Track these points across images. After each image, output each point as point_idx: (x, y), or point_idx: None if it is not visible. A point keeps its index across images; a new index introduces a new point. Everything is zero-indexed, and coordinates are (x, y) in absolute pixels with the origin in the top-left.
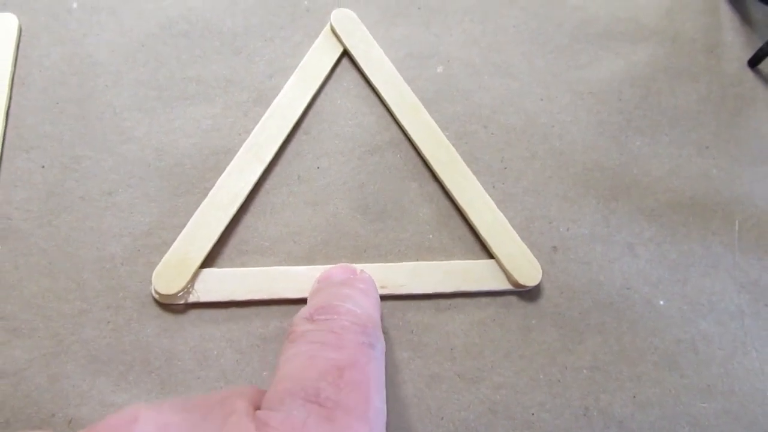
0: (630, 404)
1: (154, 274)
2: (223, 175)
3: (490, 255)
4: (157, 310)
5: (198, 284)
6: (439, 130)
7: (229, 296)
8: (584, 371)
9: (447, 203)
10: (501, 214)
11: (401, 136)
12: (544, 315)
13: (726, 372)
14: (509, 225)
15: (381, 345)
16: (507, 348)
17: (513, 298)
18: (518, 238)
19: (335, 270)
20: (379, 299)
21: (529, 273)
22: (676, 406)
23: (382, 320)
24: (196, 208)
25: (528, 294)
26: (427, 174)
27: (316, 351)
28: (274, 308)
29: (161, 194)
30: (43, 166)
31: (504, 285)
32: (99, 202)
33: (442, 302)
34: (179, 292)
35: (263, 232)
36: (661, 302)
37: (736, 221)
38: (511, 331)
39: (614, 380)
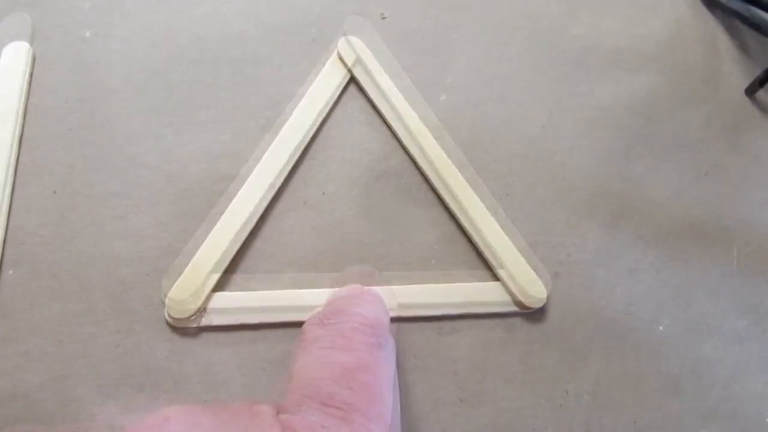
0: (632, 429)
1: (167, 298)
2: (234, 200)
3: (495, 278)
4: (166, 334)
5: (210, 307)
6: (444, 155)
7: (241, 320)
8: (586, 396)
9: (451, 228)
10: (506, 236)
11: (406, 162)
12: (546, 339)
13: (728, 396)
14: (514, 248)
15: (390, 345)
16: (510, 372)
17: (515, 322)
18: (523, 260)
19: (344, 288)
20: (387, 309)
21: (535, 294)
22: (678, 431)
23: (398, 342)
24: (206, 233)
25: (531, 318)
26: (431, 199)
27: (327, 355)
28: (280, 331)
29: (171, 220)
30: (54, 192)
31: (509, 307)
32: (110, 227)
33: (445, 326)
34: (192, 315)
35: (270, 256)
36: (662, 327)
37: (735, 247)
38: (514, 356)
39: (616, 405)
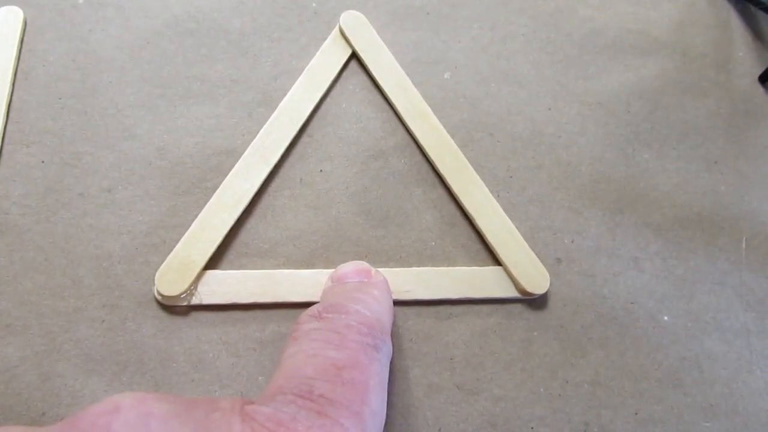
0: (631, 421)
1: (156, 275)
2: (228, 176)
3: (496, 262)
4: (153, 311)
5: (201, 286)
6: (447, 135)
7: (232, 299)
8: (585, 386)
9: (451, 210)
10: (509, 220)
11: (406, 141)
12: (546, 327)
13: (730, 391)
14: (517, 232)
15: (387, 349)
16: (507, 360)
17: (515, 309)
18: (526, 246)
19: (349, 270)
20: (392, 305)
21: (537, 281)
22: (678, 425)
23: (394, 326)
24: (197, 209)
25: (530, 305)
26: (431, 180)
27: (317, 349)
28: (272, 312)
29: (161, 193)
30: (42, 162)
31: (511, 292)
32: (98, 199)
33: (443, 311)
34: (182, 293)
35: (263, 235)
36: (666, 318)
37: (744, 238)
38: (513, 343)
39: (616, 396)
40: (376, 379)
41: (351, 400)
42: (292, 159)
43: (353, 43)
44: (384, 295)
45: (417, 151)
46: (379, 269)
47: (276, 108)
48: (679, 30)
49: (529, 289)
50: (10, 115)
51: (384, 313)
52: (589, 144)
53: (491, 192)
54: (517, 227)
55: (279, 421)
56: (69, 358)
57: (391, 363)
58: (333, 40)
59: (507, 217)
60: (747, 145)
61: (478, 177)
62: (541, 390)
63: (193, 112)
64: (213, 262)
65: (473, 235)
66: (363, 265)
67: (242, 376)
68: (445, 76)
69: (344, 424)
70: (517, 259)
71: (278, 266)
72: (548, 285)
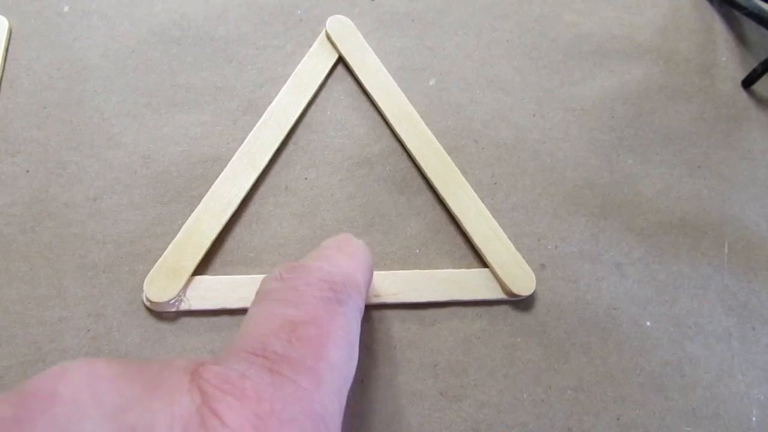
0: (614, 426)
1: (145, 281)
2: (216, 182)
3: (481, 265)
4: (138, 320)
5: (189, 291)
6: (434, 138)
7: (221, 304)
8: (568, 391)
9: (436, 217)
10: (495, 223)
11: (391, 148)
12: (529, 333)
13: (711, 395)
14: (504, 234)
15: (354, 303)
16: (491, 366)
17: (498, 315)
18: (512, 248)
19: (332, 239)
20: (368, 264)
21: (523, 282)
22: (660, 429)
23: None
24: (182, 217)
25: (514, 311)
26: (416, 187)
27: (274, 308)
28: None
29: (147, 202)
30: (27, 171)
31: (497, 294)
32: (83, 208)
33: (428, 317)
34: (171, 299)
35: (249, 242)
36: (648, 323)
37: (726, 242)
38: (496, 349)
39: (598, 401)
40: (339, 333)
41: (305, 355)
42: (277, 167)
43: (340, 47)
44: (359, 252)
45: (402, 158)
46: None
47: (261, 115)
48: (663, 35)
49: (516, 290)
50: None
51: (355, 269)
52: (574, 149)
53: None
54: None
55: (227, 378)
56: None
57: (374, 370)
58: (320, 45)
59: (493, 219)
60: (730, 149)
61: (464, 180)
62: (525, 396)
63: (179, 120)
64: (201, 269)
65: (458, 240)
66: (348, 236)
67: None
68: (431, 83)
69: (297, 381)
70: (503, 260)
71: (265, 272)
72: (534, 286)
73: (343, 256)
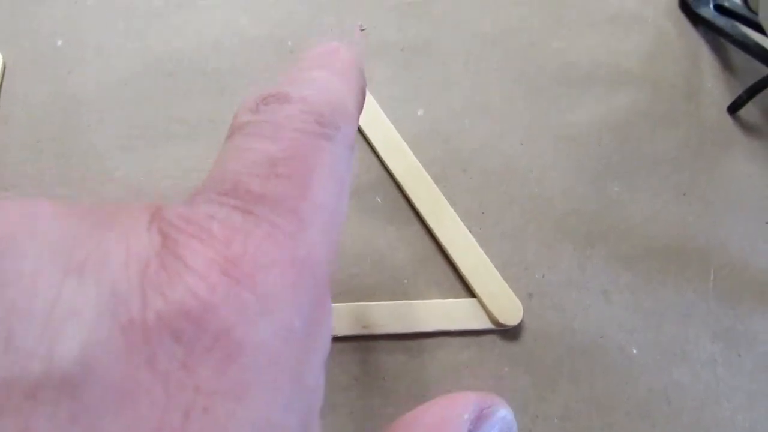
0: None
1: None
2: None
3: (469, 295)
4: None
5: None
6: (422, 169)
7: None
8: (555, 420)
9: (424, 247)
10: (483, 253)
11: (380, 178)
12: (517, 362)
13: (697, 422)
14: (491, 264)
15: (343, 136)
16: None
17: (486, 345)
18: (500, 277)
19: (316, 48)
20: (360, 82)
21: (511, 312)
22: None
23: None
24: None
25: (502, 341)
26: (405, 217)
27: (248, 142)
28: None
29: None
30: None
31: (485, 324)
32: None
33: (415, 348)
34: None
35: None
36: (635, 350)
37: (712, 269)
38: (484, 379)
39: (585, 429)
40: (325, 170)
41: (285, 194)
42: None
43: None
44: (346, 69)
45: (391, 188)
46: (354, 303)
47: None
48: (649, 62)
49: (503, 320)
50: None
51: (344, 92)
52: (561, 177)
53: (465, 226)
54: (490, 260)
55: (191, 219)
56: None
57: (362, 402)
58: None
59: (481, 250)
60: (715, 175)
61: (452, 210)
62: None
63: (172, 152)
64: None
65: (446, 271)
66: (331, 46)
67: None
68: (419, 113)
69: (275, 221)
70: (490, 291)
71: None
72: (521, 316)
73: (330, 76)
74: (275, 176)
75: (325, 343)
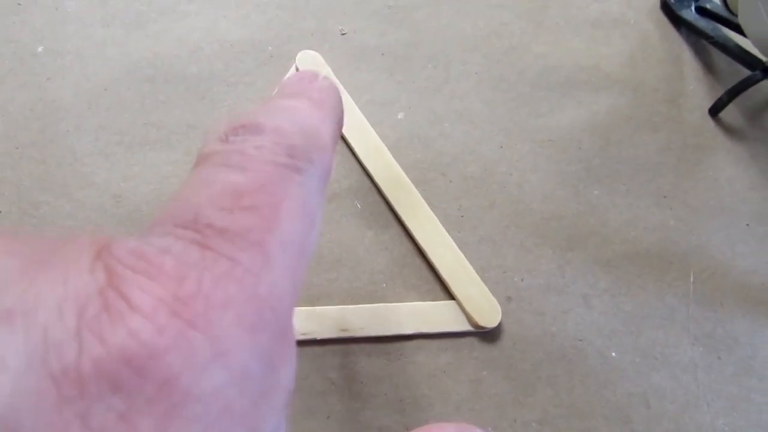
0: None
1: None
2: None
3: (448, 298)
4: None
5: None
6: (402, 172)
7: None
8: (534, 425)
9: (402, 251)
10: (462, 255)
11: (360, 183)
12: (495, 366)
13: (677, 426)
14: (470, 266)
15: (317, 171)
16: (457, 400)
17: (464, 349)
18: (479, 280)
19: (293, 77)
20: (338, 110)
21: (489, 314)
22: None
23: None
24: None
25: (480, 345)
26: (383, 221)
27: (214, 174)
28: None
29: None
30: (0, 212)
31: (464, 326)
32: None
33: (394, 351)
34: None
35: None
36: (614, 354)
37: (692, 272)
38: (462, 383)
39: None
40: (295, 203)
41: (249, 227)
42: None
43: None
44: (327, 98)
45: (371, 192)
46: (335, 306)
47: None
48: (631, 65)
49: (482, 322)
50: None
51: (320, 121)
52: (541, 181)
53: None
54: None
55: (142, 253)
56: None
57: (341, 405)
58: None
59: (460, 252)
60: (697, 178)
61: (432, 213)
62: (490, 430)
63: (150, 158)
64: None
65: (424, 274)
66: (313, 72)
67: None
68: (399, 117)
69: (235, 257)
70: (469, 293)
71: None
72: (500, 318)
73: (306, 105)
74: (240, 209)
75: (288, 383)
